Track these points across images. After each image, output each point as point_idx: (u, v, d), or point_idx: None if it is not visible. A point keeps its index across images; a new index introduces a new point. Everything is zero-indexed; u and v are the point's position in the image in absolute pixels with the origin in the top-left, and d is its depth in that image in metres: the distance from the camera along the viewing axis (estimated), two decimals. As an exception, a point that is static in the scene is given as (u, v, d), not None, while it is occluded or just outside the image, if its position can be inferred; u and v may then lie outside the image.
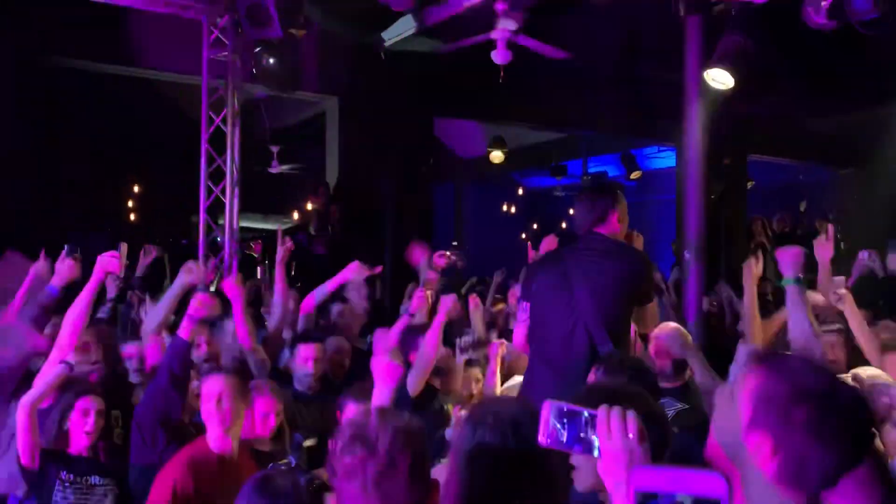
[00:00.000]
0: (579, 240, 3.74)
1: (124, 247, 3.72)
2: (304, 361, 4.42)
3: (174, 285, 4.06)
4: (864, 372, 3.36)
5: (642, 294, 3.67)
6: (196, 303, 3.49)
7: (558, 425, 1.49)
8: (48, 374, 3.32)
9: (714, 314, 6.01)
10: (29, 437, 3.08)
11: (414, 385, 4.14)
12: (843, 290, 3.91)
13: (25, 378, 3.49)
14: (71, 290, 3.70)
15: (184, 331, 3.45)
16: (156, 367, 3.75)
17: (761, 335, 4.03)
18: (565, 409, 1.50)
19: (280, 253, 5.11)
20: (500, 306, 6.67)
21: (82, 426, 3.23)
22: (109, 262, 3.57)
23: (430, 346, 4.14)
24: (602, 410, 1.49)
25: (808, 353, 3.15)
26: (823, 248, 4.21)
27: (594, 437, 1.49)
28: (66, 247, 3.74)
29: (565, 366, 3.44)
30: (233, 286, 4.43)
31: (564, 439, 1.49)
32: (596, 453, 1.49)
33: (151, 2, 7.80)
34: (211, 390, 3.20)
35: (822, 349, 3.45)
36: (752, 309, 4.06)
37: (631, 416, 1.49)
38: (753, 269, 4.07)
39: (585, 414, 1.50)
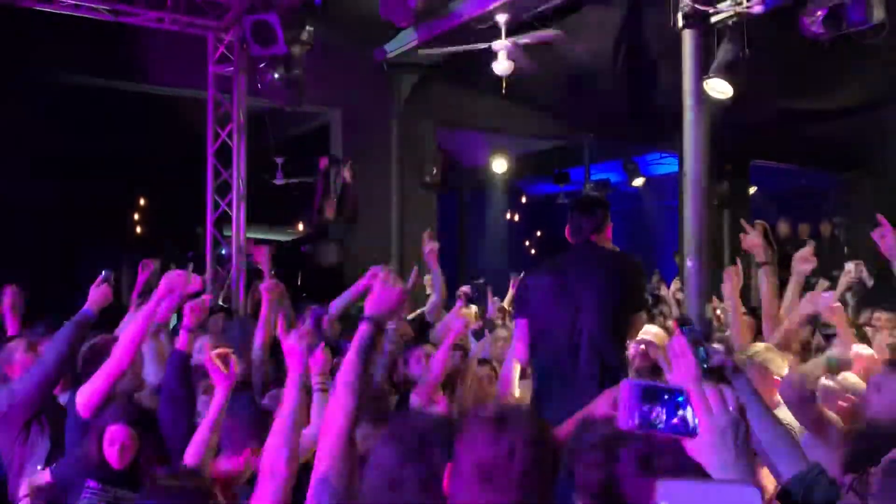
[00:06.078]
0: (575, 249, 3.73)
1: (198, 277, 3.67)
2: None
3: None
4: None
5: (638, 302, 3.72)
6: (188, 312, 3.28)
7: (644, 407, 1.33)
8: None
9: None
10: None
11: (420, 401, 4.16)
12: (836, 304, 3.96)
13: (42, 409, 3.42)
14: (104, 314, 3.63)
15: (181, 343, 3.24)
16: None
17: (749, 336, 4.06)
18: (652, 388, 1.34)
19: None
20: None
21: (111, 453, 3.10)
22: (176, 282, 3.47)
23: (438, 364, 4.13)
24: (694, 386, 1.35)
25: None
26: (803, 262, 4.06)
27: (688, 416, 1.33)
28: (103, 272, 3.66)
29: (573, 378, 3.42)
30: (272, 288, 4.48)
31: (656, 420, 1.33)
32: (692, 432, 1.33)
33: (157, 19, 7.92)
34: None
35: None
36: (737, 315, 4.07)
37: (727, 390, 1.36)
38: (735, 277, 4.05)
39: (679, 391, 1.34)
